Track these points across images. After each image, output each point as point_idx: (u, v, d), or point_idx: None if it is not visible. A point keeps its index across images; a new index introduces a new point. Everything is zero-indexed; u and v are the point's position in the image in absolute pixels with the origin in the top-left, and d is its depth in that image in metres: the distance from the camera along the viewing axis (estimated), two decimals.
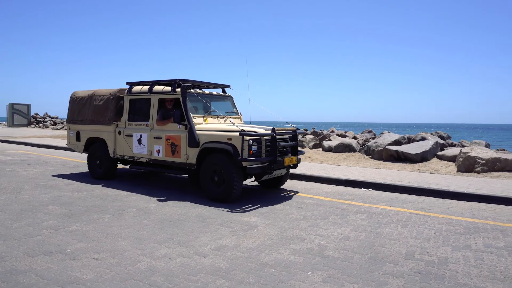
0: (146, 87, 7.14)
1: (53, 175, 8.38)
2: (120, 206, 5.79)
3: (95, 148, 7.86)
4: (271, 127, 6.21)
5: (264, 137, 5.96)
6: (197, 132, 6.24)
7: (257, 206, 5.81)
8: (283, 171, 6.62)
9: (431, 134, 14.23)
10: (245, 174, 6.05)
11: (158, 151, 6.74)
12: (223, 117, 7.16)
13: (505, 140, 46.18)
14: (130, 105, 7.29)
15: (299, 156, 6.76)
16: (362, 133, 16.62)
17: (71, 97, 8.55)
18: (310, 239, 4.37)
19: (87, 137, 8.06)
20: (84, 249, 3.95)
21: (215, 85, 7.60)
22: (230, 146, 5.84)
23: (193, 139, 6.17)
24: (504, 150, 12.70)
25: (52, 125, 31.14)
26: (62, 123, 31.73)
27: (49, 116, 34.90)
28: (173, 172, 6.78)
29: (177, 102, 6.77)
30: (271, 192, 6.96)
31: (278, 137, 6.09)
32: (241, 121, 7.54)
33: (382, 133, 14.90)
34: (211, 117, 6.87)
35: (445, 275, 3.41)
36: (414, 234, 4.59)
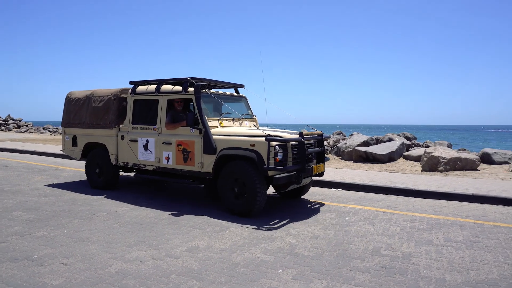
0: (153, 87, 6.62)
1: (17, 180, 8.21)
2: (90, 210, 5.77)
3: (94, 155, 7.32)
4: (298, 131, 5.67)
5: (291, 143, 5.47)
6: (214, 137, 5.72)
7: (285, 221, 5.26)
8: (308, 180, 6.10)
9: (398, 135, 14.85)
10: (269, 184, 5.56)
11: (168, 158, 6.28)
12: (239, 120, 6.63)
13: (469, 140, 49.55)
14: (135, 107, 6.79)
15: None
16: (333, 134, 17.11)
17: (66, 97, 7.99)
18: (281, 238, 4.56)
19: (85, 142, 7.49)
20: (52, 254, 3.89)
21: (228, 85, 7.06)
22: (254, 153, 5.29)
23: (209, 145, 5.70)
24: (465, 150, 13.69)
25: (16, 127, 30.20)
26: (27, 126, 30.82)
27: (12, 119, 33.71)
28: (185, 182, 6.18)
29: (189, 103, 6.56)
30: (292, 202, 6.51)
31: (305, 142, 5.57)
32: (257, 124, 7.14)
33: (351, 135, 15.39)
34: (226, 120, 6.37)
35: (408, 269, 3.65)
36: (381, 231, 4.86)
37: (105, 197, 6.79)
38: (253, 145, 5.43)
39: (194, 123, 6.00)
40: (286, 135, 5.59)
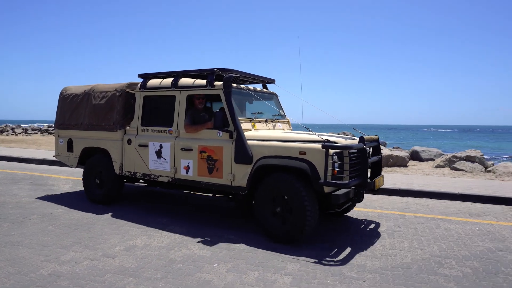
0: (168, 80, 5.48)
1: None
2: (22, 213, 5.44)
3: (94, 162, 6.22)
4: (359, 137, 4.61)
5: (350, 151, 4.34)
6: (249, 142, 4.63)
7: (347, 251, 4.19)
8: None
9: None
10: (322, 202, 4.54)
11: (187, 168, 5.13)
12: (272, 122, 5.57)
13: (408, 139, 53.37)
14: (145, 105, 5.66)
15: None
16: None
17: (61, 94, 6.82)
18: (220, 235, 4.62)
19: (83, 146, 6.34)
20: None
21: (257, 79, 5.90)
22: (305, 163, 4.19)
23: (243, 152, 4.58)
24: (398, 148, 14.51)
25: None
26: None
27: None
28: (210, 198, 5.22)
29: (212, 100, 5.57)
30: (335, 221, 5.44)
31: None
32: (290, 127, 6.08)
33: None
34: (259, 121, 5.28)
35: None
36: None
37: (111, 216, 5.59)
38: (304, 153, 4.27)
39: (224, 124, 4.81)
40: (339, 140, 4.48)
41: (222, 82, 5.00)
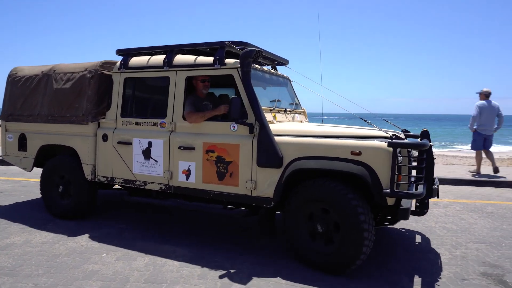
0: (160, 58, 4.15)
1: None
2: None
3: (56, 164, 4.79)
4: (420, 132, 3.59)
5: (415, 150, 3.41)
6: (277, 138, 3.48)
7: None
8: None
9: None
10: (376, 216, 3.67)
11: (188, 173, 3.90)
12: (290, 112, 4.49)
13: None
14: (127, 89, 4.35)
15: None
16: None
17: (9, 76, 5.27)
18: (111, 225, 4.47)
19: (41, 144, 4.88)
20: None
21: (268, 58, 4.58)
22: (362, 166, 3.15)
23: (270, 152, 3.43)
24: None
25: None
26: None
27: None
28: (219, 208, 3.93)
29: (219, 85, 4.56)
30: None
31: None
32: (306, 118, 4.98)
33: None
34: (278, 112, 4.18)
35: None
36: None
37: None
38: (358, 152, 3.17)
39: (241, 115, 3.61)
40: (397, 135, 3.48)
41: (235, 60, 3.79)
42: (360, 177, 3.14)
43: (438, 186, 3.62)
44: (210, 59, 3.91)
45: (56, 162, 4.82)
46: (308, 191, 3.36)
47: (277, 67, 5.09)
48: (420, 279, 3.26)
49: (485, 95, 7.75)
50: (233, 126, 3.72)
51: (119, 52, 4.56)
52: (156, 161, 4.11)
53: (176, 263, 3.51)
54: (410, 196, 3.08)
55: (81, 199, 4.65)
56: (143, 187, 4.24)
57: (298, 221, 3.44)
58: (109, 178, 4.43)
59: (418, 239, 4.30)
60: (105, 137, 4.41)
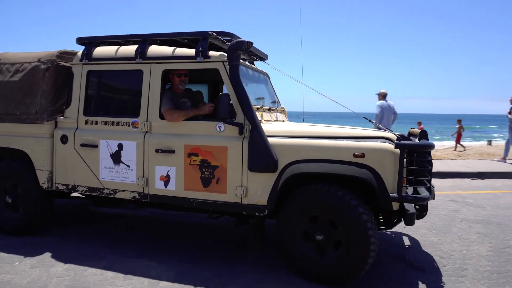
0: (131, 48, 3.67)
1: None
2: None
3: (3, 171, 4.12)
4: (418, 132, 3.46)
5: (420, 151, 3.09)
6: (271, 140, 3.15)
7: None
8: None
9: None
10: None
11: (166, 179, 3.46)
12: (273, 111, 4.17)
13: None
14: (91, 84, 3.80)
15: None
16: None
17: None
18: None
19: None
20: None
21: (250, 52, 4.15)
22: (366, 169, 2.90)
23: (264, 155, 3.09)
24: None
25: None
26: None
27: None
28: (204, 218, 3.65)
29: (198, 81, 4.21)
30: None
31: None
32: (286, 117, 4.64)
33: None
34: (264, 111, 3.86)
35: None
36: None
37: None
38: (361, 155, 2.93)
39: (230, 114, 3.23)
40: (391, 136, 3.26)
41: (221, 53, 3.41)
42: (365, 181, 2.91)
43: (433, 190, 3.48)
44: (191, 51, 3.49)
45: (4, 169, 4.12)
46: (307, 197, 3.07)
47: (255, 62, 4.74)
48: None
49: (382, 96, 8.37)
50: (219, 126, 3.34)
51: (80, 40, 3.97)
52: (127, 166, 3.61)
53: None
54: (418, 200, 2.90)
55: (34, 211, 4.00)
56: (112, 195, 3.71)
57: (294, 229, 3.15)
58: (70, 186, 3.85)
59: (407, 242, 4.18)
60: (64, 139, 3.82)
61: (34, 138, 3.94)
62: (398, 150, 2.85)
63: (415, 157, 3.06)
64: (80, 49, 3.98)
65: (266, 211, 3.19)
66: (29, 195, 4.00)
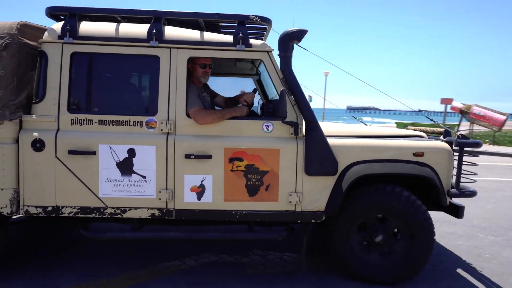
0: (139, 28, 2.89)
1: None
2: None
3: None
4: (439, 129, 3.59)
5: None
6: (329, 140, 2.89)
7: None
8: None
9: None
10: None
11: (200, 190, 2.86)
12: None
13: None
14: (76, 71, 2.88)
15: None
16: None
17: None
18: None
19: None
20: None
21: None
22: (428, 168, 2.93)
23: (325, 157, 2.83)
24: None
25: None
26: None
27: None
28: (247, 234, 3.02)
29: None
30: None
31: None
32: None
33: None
34: None
35: None
36: None
37: None
38: (421, 154, 2.98)
39: (280, 112, 2.80)
40: (422, 134, 3.45)
41: (263, 42, 2.99)
42: (428, 179, 2.96)
43: None
44: (226, 37, 2.96)
45: None
46: (370, 199, 2.96)
47: None
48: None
49: None
50: (267, 126, 2.93)
51: (55, 10, 2.96)
52: (143, 177, 2.86)
53: None
54: (473, 194, 3.09)
55: None
56: (119, 215, 2.89)
57: (350, 232, 3.01)
58: (50, 209, 2.84)
59: None
60: (38, 145, 2.79)
61: None
62: (450, 148, 3.00)
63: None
64: (47, 23, 2.96)
65: (324, 217, 2.95)
66: None
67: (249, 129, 2.93)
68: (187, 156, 2.84)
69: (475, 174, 3.28)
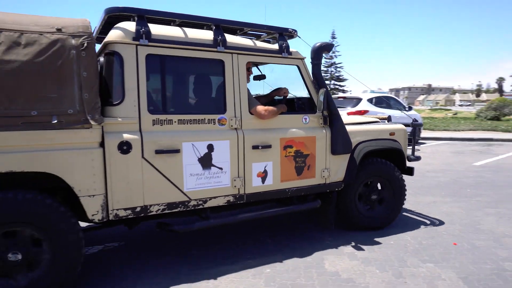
0: (204, 33, 3.17)
1: None
2: None
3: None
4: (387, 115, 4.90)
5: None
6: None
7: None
8: None
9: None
10: None
11: (264, 175, 3.40)
12: None
13: None
14: (151, 73, 2.94)
15: None
16: None
17: None
18: None
19: None
20: None
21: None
22: (398, 143, 4.28)
23: (345, 140, 3.79)
24: None
25: None
26: None
27: None
28: (295, 208, 3.73)
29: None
30: None
31: None
32: None
33: None
34: None
35: None
36: None
37: None
38: (393, 133, 4.31)
39: (311, 107, 3.74)
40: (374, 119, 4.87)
41: (296, 50, 3.71)
42: (398, 150, 4.31)
43: None
44: (273, 46, 3.55)
45: (10, 208, 2.42)
46: (372, 167, 4.14)
47: None
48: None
49: None
50: (305, 119, 3.69)
51: (120, 11, 2.92)
52: (220, 168, 3.22)
53: None
54: (419, 159, 4.61)
55: (65, 264, 2.66)
56: (201, 206, 3.17)
57: (356, 194, 4.11)
58: (138, 209, 2.90)
59: None
60: (125, 147, 2.81)
61: (70, 151, 2.60)
62: (412, 128, 4.43)
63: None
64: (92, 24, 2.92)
65: (343, 185, 3.94)
66: (56, 239, 2.62)
67: (293, 122, 3.61)
68: (255, 147, 3.34)
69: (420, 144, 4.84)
